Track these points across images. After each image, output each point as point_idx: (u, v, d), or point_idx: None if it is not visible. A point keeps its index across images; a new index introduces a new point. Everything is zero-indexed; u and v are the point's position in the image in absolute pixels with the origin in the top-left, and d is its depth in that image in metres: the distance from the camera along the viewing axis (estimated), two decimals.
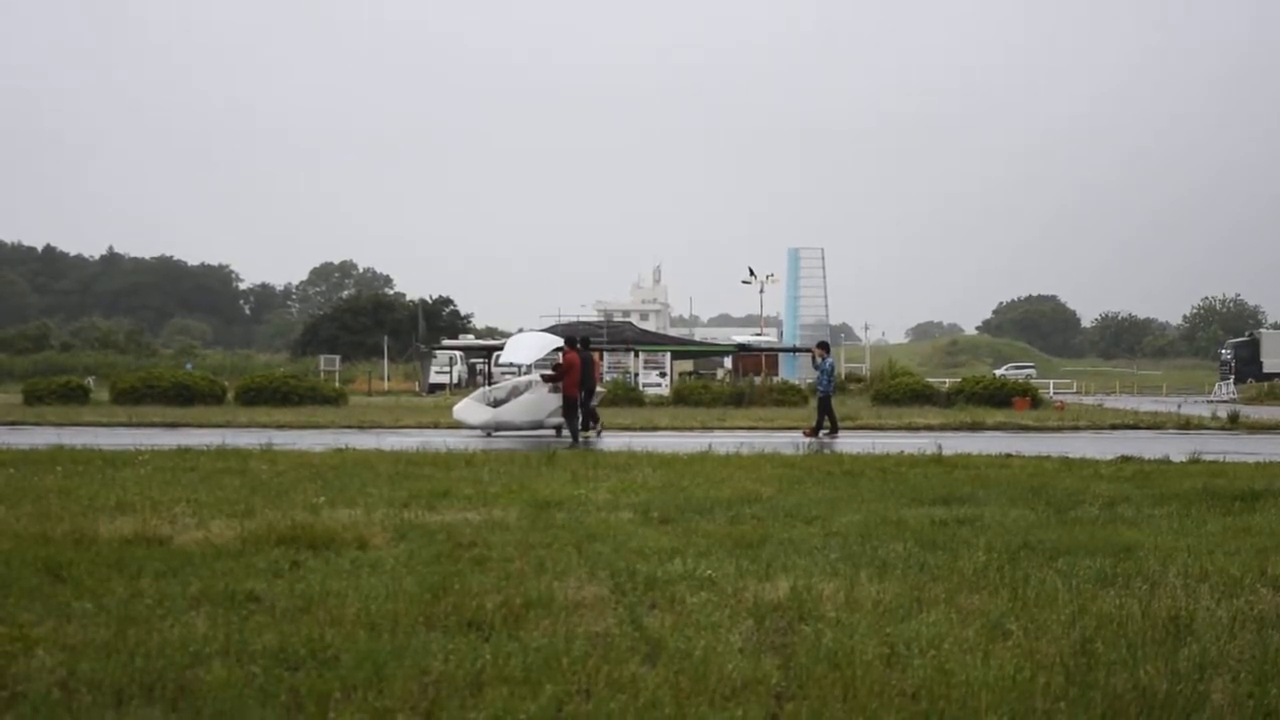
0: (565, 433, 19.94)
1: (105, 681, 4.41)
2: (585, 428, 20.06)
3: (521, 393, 21.39)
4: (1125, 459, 14.72)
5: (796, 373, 52.92)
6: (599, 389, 23.75)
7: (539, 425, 21.17)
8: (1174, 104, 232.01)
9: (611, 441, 18.38)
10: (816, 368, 23.29)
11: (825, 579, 6.38)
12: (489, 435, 20.53)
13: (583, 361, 20.25)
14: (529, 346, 22.65)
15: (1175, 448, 16.94)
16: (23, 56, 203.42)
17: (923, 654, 4.70)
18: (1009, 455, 15.17)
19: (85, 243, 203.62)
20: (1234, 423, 25.45)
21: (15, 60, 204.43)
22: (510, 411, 21.03)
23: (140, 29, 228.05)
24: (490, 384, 25.27)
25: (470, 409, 21.61)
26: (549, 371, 21.29)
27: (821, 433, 21.32)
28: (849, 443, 18.65)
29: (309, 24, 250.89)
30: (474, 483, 11.33)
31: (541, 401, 21.11)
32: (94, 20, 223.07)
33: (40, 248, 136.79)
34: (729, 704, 4.17)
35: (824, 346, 23.84)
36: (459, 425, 21.68)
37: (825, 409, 21.87)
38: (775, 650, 4.92)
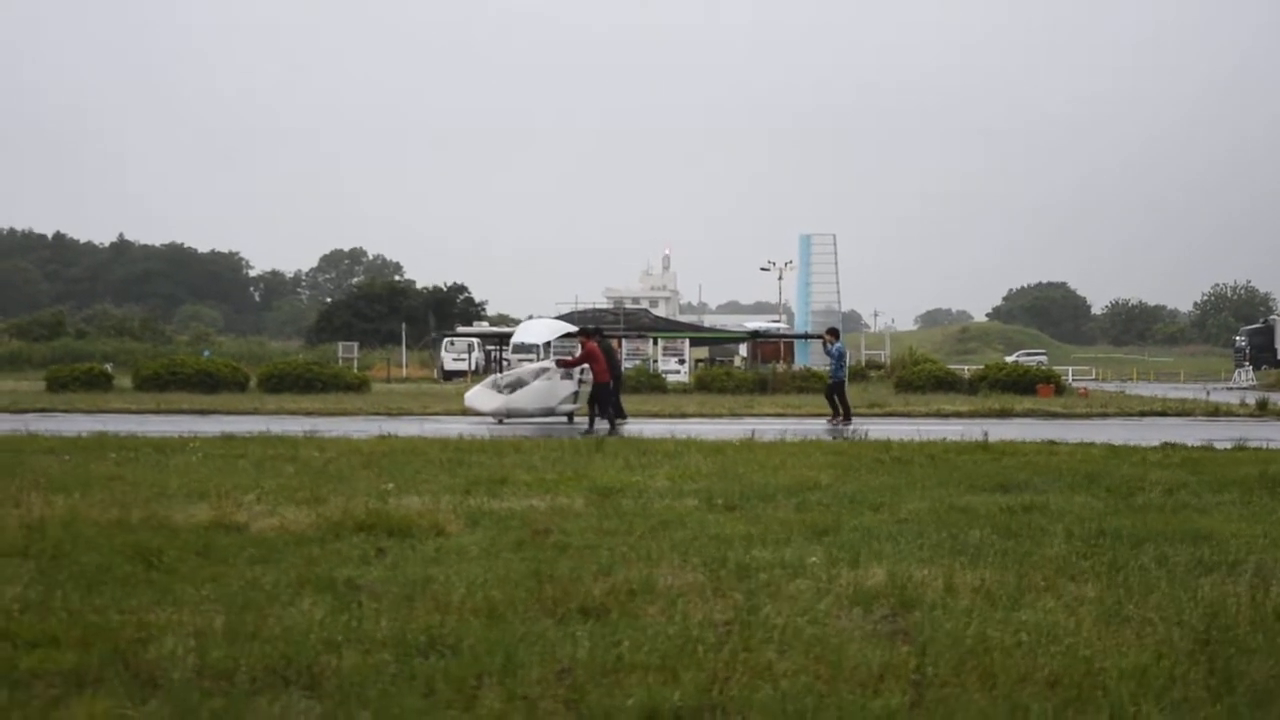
0: (578, 420, 19.77)
1: (238, 668, 4.42)
2: (620, 415, 19.96)
3: (533, 380, 21.28)
4: (1170, 446, 14.66)
5: (810, 359, 52.83)
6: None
7: (550, 412, 21.03)
8: (1185, 89, 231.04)
9: (647, 429, 18.34)
10: (828, 354, 23.18)
11: (918, 566, 6.37)
12: (500, 422, 20.39)
13: (605, 349, 20.16)
14: (539, 330, 22.60)
15: (1213, 434, 16.89)
16: (33, 44, 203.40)
17: (1051, 641, 4.68)
18: (1052, 442, 15.12)
19: (95, 230, 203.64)
20: (1263, 409, 25.36)
21: (26, 48, 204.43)
22: (522, 398, 20.85)
23: (151, 17, 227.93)
24: (505, 370, 25.22)
25: (481, 396, 21.46)
26: (566, 358, 21.20)
27: (836, 419, 21.21)
28: (885, 429, 18.57)
29: (317, 11, 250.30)
30: (528, 469, 11.32)
31: (553, 388, 20.96)
32: (104, 8, 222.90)
33: (50, 235, 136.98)
34: (868, 692, 4.16)
35: (833, 333, 23.77)
36: (469, 412, 21.55)
37: (837, 394, 21.74)
38: (899, 636, 4.90)
